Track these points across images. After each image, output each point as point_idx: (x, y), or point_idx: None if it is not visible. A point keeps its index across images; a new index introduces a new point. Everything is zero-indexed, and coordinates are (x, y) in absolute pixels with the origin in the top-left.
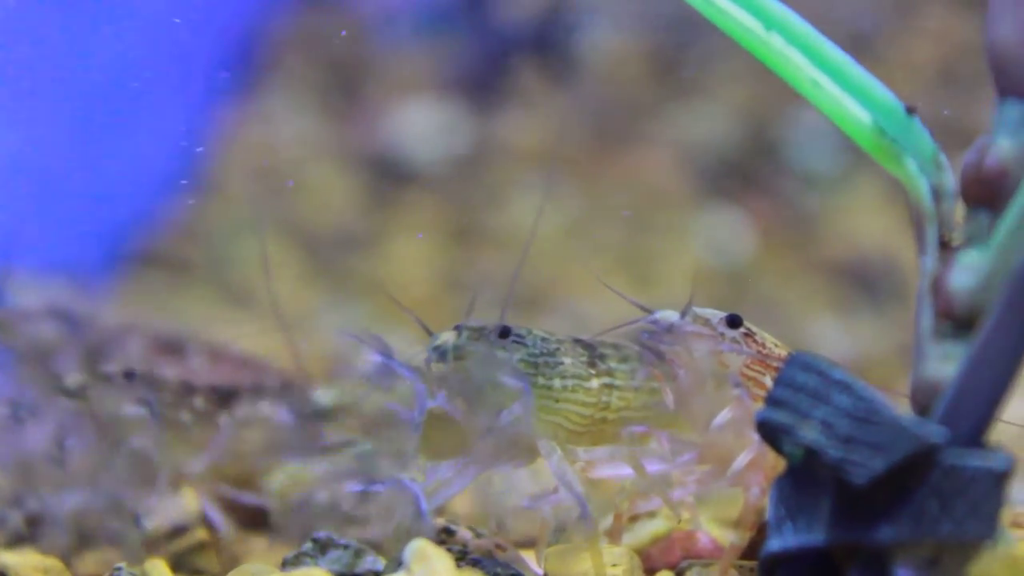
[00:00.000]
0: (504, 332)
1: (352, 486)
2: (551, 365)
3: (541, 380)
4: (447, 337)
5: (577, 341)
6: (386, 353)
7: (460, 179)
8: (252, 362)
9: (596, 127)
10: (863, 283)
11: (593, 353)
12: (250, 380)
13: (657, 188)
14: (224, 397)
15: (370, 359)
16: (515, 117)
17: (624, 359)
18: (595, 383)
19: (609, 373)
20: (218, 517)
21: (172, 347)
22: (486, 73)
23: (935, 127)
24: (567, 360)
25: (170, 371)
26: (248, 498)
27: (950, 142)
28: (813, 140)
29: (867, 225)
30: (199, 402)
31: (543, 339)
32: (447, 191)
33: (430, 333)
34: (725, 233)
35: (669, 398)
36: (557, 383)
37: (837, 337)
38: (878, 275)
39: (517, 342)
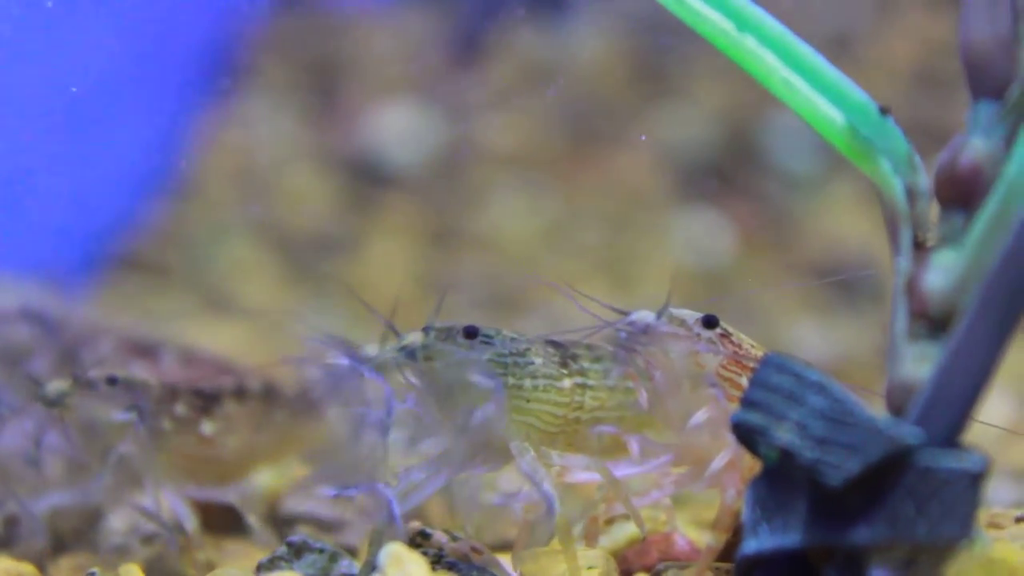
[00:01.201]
0: (471, 332)
1: (326, 490)
2: (521, 365)
3: (511, 380)
4: (414, 338)
5: (549, 342)
6: (352, 356)
7: (438, 181)
8: (225, 364)
9: (575, 128)
10: (842, 284)
11: (565, 353)
12: (232, 383)
13: (636, 189)
14: (207, 401)
15: (336, 362)
16: (493, 119)
17: (597, 359)
18: (567, 383)
19: (582, 373)
20: (188, 518)
21: (145, 349)
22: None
23: (912, 127)
24: (537, 360)
25: (150, 375)
26: (220, 495)
27: (929, 142)
28: (792, 142)
29: (846, 227)
30: (180, 408)
31: (512, 339)
32: (425, 193)
33: (398, 334)
34: (704, 235)
35: (644, 398)
36: (528, 383)
37: (815, 338)
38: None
39: (485, 342)
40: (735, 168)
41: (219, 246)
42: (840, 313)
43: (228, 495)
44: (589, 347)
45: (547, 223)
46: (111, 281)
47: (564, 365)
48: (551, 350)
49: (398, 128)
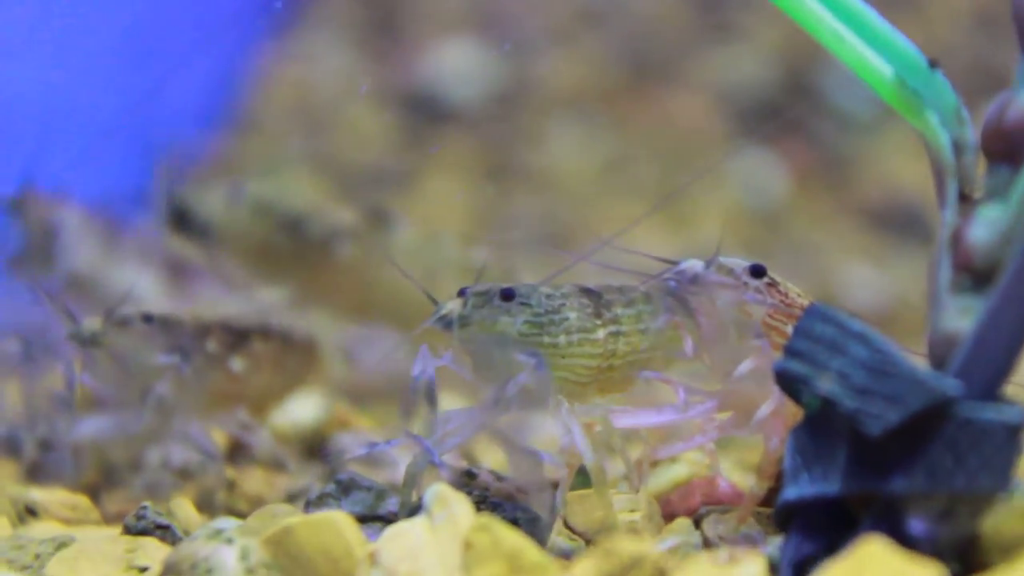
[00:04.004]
0: (508, 295)
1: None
2: (556, 323)
3: (547, 339)
4: (452, 306)
5: (583, 290)
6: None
7: (495, 117)
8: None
9: (632, 67)
10: (898, 227)
11: (599, 302)
12: (257, 322)
13: (692, 128)
14: (236, 338)
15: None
16: (552, 56)
17: (630, 303)
18: (601, 333)
19: (615, 321)
20: (215, 453)
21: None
22: None
23: (973, 71)
24: (572, 315)
25: (184, 310)
26: (242, 433)
27: (991, 85)
28: (850, 83)
29: (903, 169)
30: (212, 344)
31: (548, 296)
32: (482, 129)
33: (435, 302)
34: (759, 175)
35: (690, 346)
36: (563, 339)
37: (870, 281)
38: (913, 219)
39: (522, 303)
40: (792, 108)
41: (277, 179)
42: (894, 257)
43: (255, 437)
44: (621, 290)
45: (603, 161)
46: None
47: (598, 315)
48: (585, 301)
49: (456, 64)
